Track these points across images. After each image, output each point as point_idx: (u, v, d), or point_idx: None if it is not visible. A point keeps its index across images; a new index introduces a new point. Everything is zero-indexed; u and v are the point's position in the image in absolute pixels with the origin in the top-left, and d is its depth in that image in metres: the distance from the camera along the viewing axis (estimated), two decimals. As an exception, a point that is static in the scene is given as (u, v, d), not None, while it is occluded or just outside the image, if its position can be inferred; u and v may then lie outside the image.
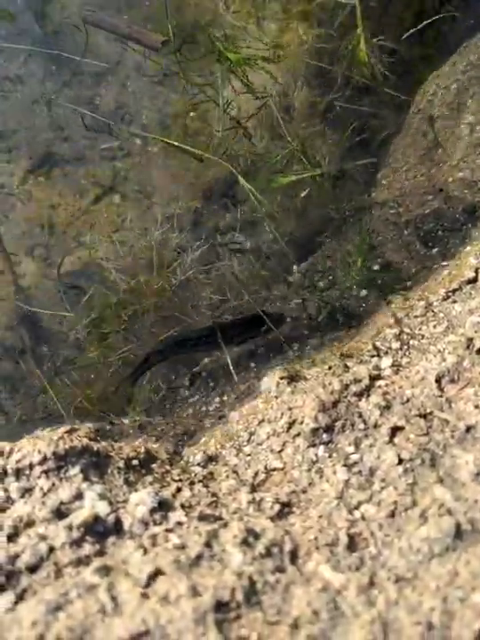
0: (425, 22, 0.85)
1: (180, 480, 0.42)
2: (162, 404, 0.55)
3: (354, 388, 0.46)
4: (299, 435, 0.44)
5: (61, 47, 0.82)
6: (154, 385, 0.57)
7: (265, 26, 0.89)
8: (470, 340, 0.48)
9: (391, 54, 0.83)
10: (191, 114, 0.78)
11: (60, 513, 0.36)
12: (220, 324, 0.63)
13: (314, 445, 0.43)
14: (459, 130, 0.72)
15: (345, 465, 0.42)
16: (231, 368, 0.56)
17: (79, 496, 0.38)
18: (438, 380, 0.45)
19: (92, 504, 0.37)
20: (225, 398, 0.56)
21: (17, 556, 0.33)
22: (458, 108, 0.75)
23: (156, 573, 0.33)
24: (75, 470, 0.39)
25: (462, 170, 0.67)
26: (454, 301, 0.52)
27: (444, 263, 0.59)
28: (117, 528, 0.36)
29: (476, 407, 0.42)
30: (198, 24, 0.82)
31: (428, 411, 0.43)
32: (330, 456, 0.43)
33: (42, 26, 0.86)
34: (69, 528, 0.35)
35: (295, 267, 0.67)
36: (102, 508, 0.37)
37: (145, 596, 0.31)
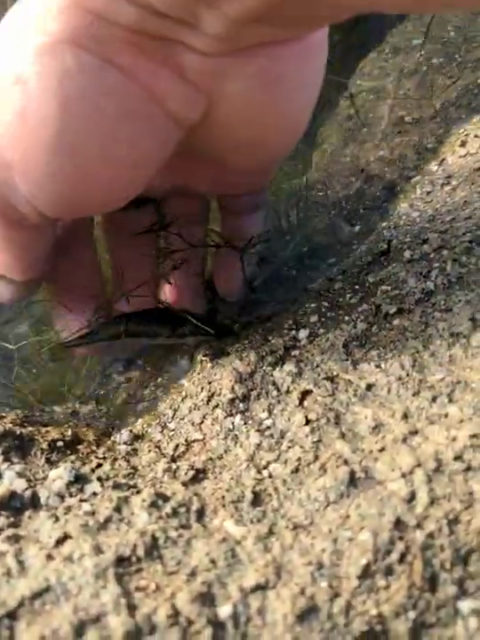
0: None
1: (104, 457, 0.44)
2: (96, 391, 0.57)
3: (269, 359, 0.48)
4: (217, 406, 0.46)
5: None
6: (89, 372, 0.59)
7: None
8: (378, 306, 0.50)
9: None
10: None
11: (-22, 492, 0.38)
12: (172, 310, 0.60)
13: (231, 415, 0.46)
14: (380, 111, 0.75)
15: (258, 430, 0.44)
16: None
17: (-2, 476, 0.39)
18: (346, 345, 0.47)
19: (10, 482, 0.39)
20: (159, 381, 0.58)
21: None
22: (381, 90, 0.78)
23: (64, 538, 0.35)
24: (-5, 453, 0.41)
25: (382, 149, 0.70)
26: (368, 273, 0.55)
27: (364, 239, 0.62)
28: (34, 502, 0.38)
29: (377, 367, 0.45)
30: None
31: (335, 373, 0.45)
32: (245, 423, 0.45)
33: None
34: (-15, 504, 0.37)
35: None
36: (19, 485, 0.39)
37: (50, 557, 0.33)
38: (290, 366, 0.47)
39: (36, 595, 0.31)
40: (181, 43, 0.34)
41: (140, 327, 0.54)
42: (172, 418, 0.48)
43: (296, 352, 0.49)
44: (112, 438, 0.48)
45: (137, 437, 0.48)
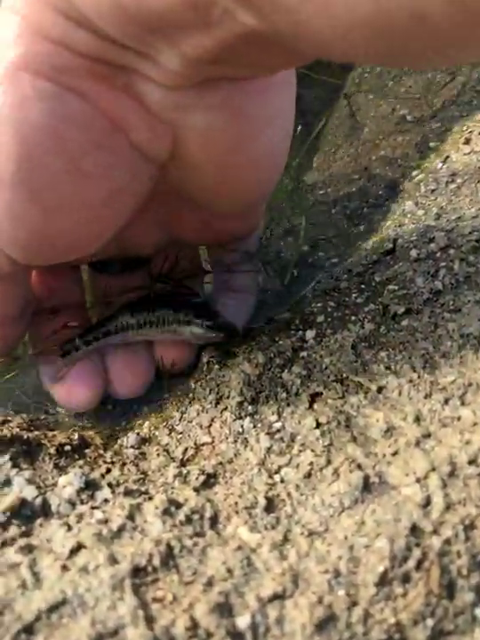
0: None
1: (112, 462, 0.44)
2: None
3: (277, 361, 0.48)
4: (226, 409, 0.46)
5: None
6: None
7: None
8: (386, 307, 0.50)
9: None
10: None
11: (-13, 500, 0.37)
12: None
13: (240, 418, 0.45)
14: (381, 110, 0.74)
15: (268, 433, 0.43)
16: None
17: (7, 482, 0.39)
18: (354, 347, 0.47)
19: (20, 489, 0.38)
20: (163, 382, 0.57)
21: None
22: (381, 89, 0.77)
23: (78, 547, 0.34)
24: (3, 459, 0.40)
25: (384, 148, 0.70)
26: (374, 273, 0.54)
27: (368, 238, 0.61)
28: (45, 510, 0.38)
29: (388, 368, 0.44)
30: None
31: (345, 375, 0.45)
32: (254, 426, 0.44)
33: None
34: (-5, 513, 0.36)
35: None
36: (29, 493, 0.38)
37: (65, 568, 0.32)
38: (298, 368, 0.47)
39: (53, 607, 0.30)
40: (142, 74, 0.33)
41: (144, 315, 0.51)
42: (180, 420, 0.48)
43: (304, 354, 0.48)
44: (119, 442, 0.47)
45: (144, 441, 0.47)
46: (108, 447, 0.47)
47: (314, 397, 0.45)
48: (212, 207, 0.45)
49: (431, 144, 0.68)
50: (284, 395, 0.46)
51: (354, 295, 0.54)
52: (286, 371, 0.47)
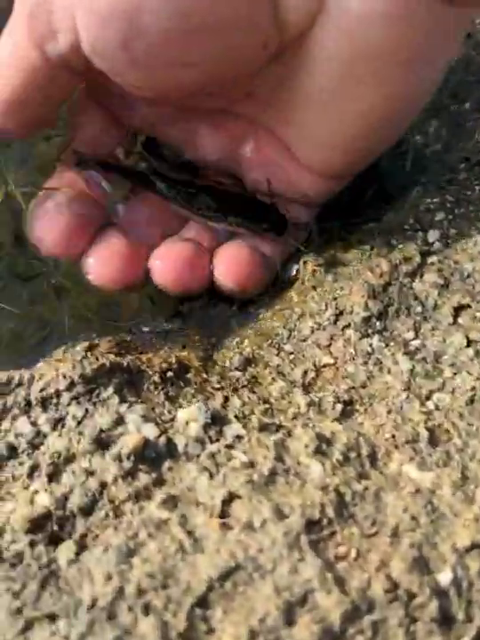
0: None
1: (222, 388, 0.38)
2: (178, 309, 0.49)
3: (405, 268, 0.41)
4: (348, 326, 0.39)
5: None
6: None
7: None
8: None
9: None
10: None
11: (101, 442, 0.32)
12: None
13: (367, 336, 0.39)
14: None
15: (406, 353, 0.37)
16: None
17: (119, 421, 0.33)
18: (501, 249, 0.40)
19: (137, 428, 0.32)
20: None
21: (65, 497, 0.29)
22: None
23: (231, 498, 0.29)
24: (108, 392, 0.34)
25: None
26: (500, 159, 0.46)
27: (478, 118, 0.52)
28: (171, 451, 0.32)
29: None
30: None
31: (495, 284, 0.38)
32: (386, 345, 0.38)
33: None
34: (118, 458, 0.30)
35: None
36: (150, 431, 0.32)
37: (225, 526, 0.27)
38: (432, 276, 0.40)
39: (225, 574, 0.25)
40: None
41: (179, 189, 0.42)
42: (288, 339, 0.41)
43: (434, 259, 0.41)
44: (220, 363, 0.41)
45: (249, 362, 0.41)
46: (208, 370, 0.41)
47: (457, 311, 0.38)
48: (302, 138, 0.39)
49: None
50: (419, 308, 0.39)
51: (477, 188, 0.46)
52: (417, 279, 0.40)
